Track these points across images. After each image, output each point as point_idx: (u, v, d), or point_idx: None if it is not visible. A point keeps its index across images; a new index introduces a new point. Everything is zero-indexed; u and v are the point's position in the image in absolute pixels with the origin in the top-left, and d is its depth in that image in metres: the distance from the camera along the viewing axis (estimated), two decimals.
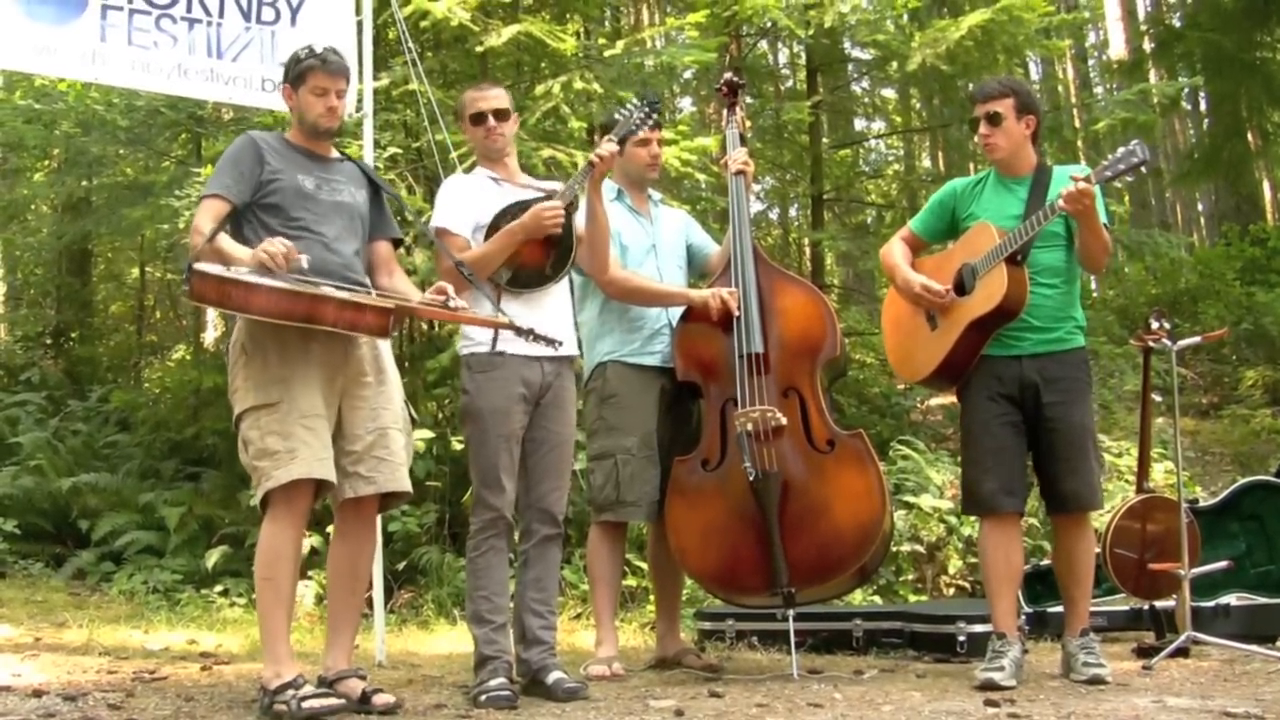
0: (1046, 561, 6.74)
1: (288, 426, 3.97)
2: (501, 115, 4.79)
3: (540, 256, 4.61)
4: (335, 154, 4.46)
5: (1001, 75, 6.15)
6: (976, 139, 5.03)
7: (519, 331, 4.20)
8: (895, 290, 5.18)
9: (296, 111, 4.34)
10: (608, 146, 4.67)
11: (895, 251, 5.15)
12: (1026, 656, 4.89)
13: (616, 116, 4.98)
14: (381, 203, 4.52)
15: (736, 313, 5.11)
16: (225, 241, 4.03)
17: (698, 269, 5.62)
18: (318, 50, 4.29)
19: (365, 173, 4.51)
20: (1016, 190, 4.89)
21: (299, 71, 4.28)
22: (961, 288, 4.87)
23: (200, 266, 3.76)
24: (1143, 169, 4.67)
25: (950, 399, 11.25)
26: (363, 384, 4.19)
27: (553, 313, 4.68)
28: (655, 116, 5.06)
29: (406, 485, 4.26)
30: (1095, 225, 4.66)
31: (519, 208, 4.61)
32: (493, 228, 4.60)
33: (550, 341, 4.32)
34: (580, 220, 4.78)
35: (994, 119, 4.88)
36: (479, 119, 4.78)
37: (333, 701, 3.93)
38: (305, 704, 3.83)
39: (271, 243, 3.86)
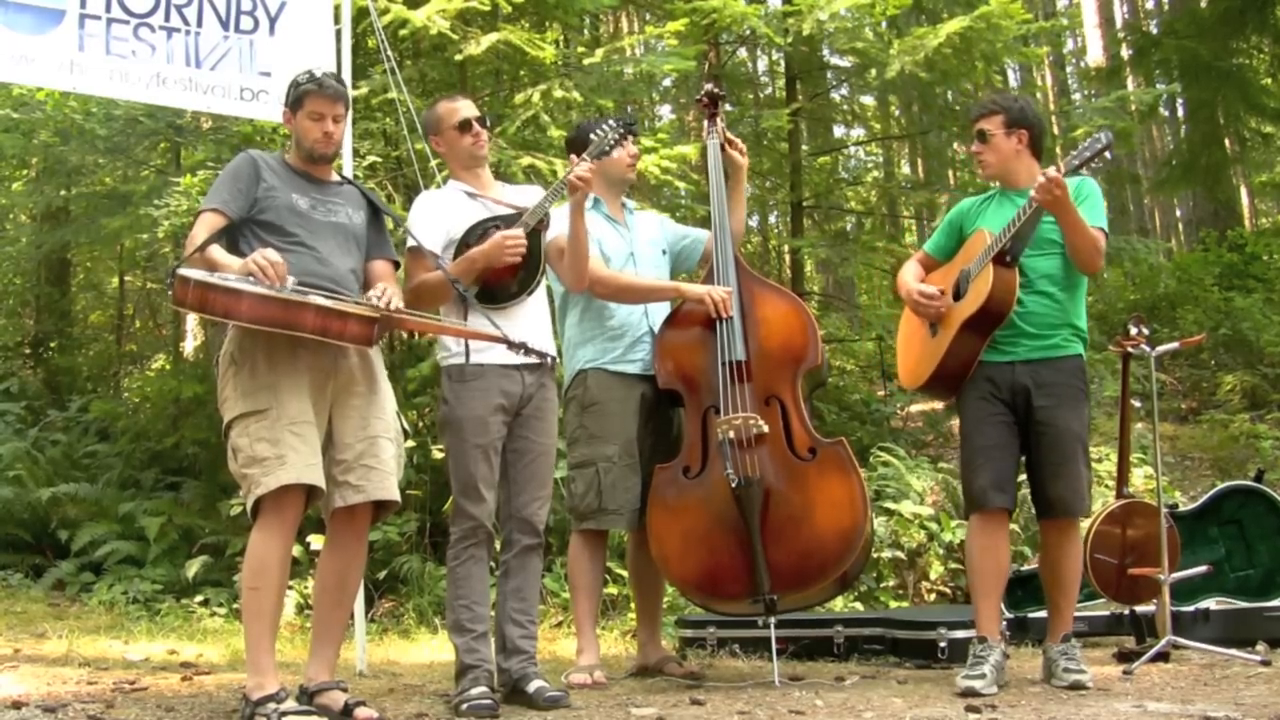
0: (1028, 567, 6.77)
1: (277, 433, 3.94)
2: (482, 122, 4.81)
3: (506, 275, 4.59)
4: (335, 177, 4.46)
5: (998, 92, 6.20)
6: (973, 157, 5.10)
7: (511, 345, 4.21)
8: (907, 307, 5.22)
9: (294, 135, 4.34)
10: (583, 167, 4.63)
11: (907, 271, 5.23)
12: (1008, 661, 4.90)
13: (591, 136, 4.91)
14: (380, 225, 4.51)
15: (727, 315, 5.09)
16: (216, 251, 4.03)
17: (692, 262, 5.64)
18: (317, 74, 4.28)
19: (365, 195, 4.50)
20: (1017, 201, 4.89)
21: (297, 96, 4.27)
22: (959, 294, 4.92)
23: (184, 271, 3.78)
24: (1108, 154, 4.72)
25: (931, 405, 11.34)
26: (353, 393, 4.17)
27: (529, 320, 4.67)
28: (631, 135, 5.04)
29: (395, 494, 4.22)
30: (1074, 220, 4.68)
31: (490, 224, 4.61)
32: (463, 244, 4.60)
33: (542, 355, 4.37)
34: (554, 233, 4.78)
35: (983, 136, 4.96)
36: (466, 126, 4.75)
37: (313, 719, 3.91)
38: (285, 719, 3.81)
39: (264, 253, 3.86)
